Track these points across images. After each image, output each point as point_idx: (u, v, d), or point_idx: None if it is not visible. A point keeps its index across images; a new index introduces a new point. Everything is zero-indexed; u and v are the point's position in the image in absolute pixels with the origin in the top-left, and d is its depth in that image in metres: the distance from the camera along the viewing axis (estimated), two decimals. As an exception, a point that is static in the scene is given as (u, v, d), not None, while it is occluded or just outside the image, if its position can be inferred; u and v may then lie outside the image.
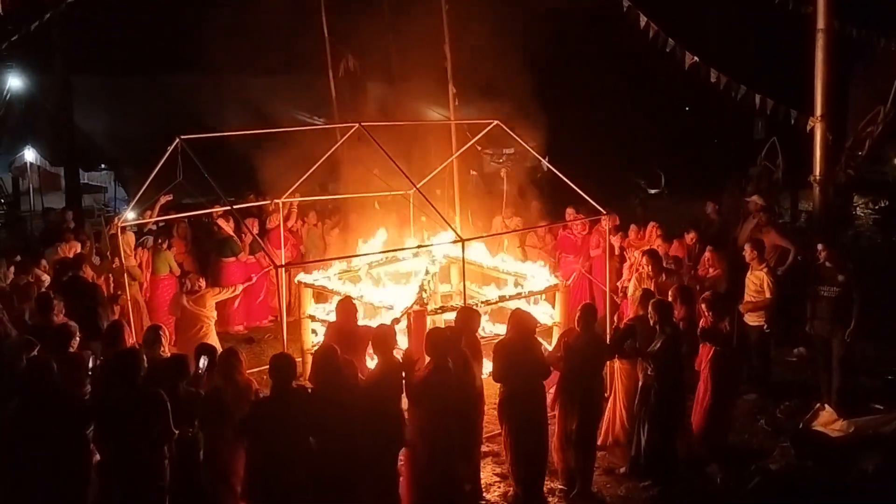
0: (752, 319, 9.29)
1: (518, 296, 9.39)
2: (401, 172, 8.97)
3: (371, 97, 18.02)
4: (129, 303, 9.05)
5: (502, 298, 9.30)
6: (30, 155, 22.51)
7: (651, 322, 7.26)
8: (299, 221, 13.00)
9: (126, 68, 24.01)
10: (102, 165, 21.97)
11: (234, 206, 10.10)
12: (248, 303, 12.03)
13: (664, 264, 9.33)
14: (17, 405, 5.69)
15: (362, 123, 9.34)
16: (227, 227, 11.76)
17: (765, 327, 9.23)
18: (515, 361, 6.87)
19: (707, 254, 9.87)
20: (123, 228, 9.80)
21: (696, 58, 10.87)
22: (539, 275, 9.73)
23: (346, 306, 7.76)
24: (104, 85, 22.35)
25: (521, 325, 7.03)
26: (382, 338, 6.54)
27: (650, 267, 9.04)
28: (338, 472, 6.02)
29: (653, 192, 24.13)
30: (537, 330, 7.47)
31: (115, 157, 20.69)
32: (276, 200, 11.20)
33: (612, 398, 8.08)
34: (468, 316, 7.27)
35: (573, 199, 11.38)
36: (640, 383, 7.38)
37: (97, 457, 5.92)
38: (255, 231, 11.43)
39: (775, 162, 15.23)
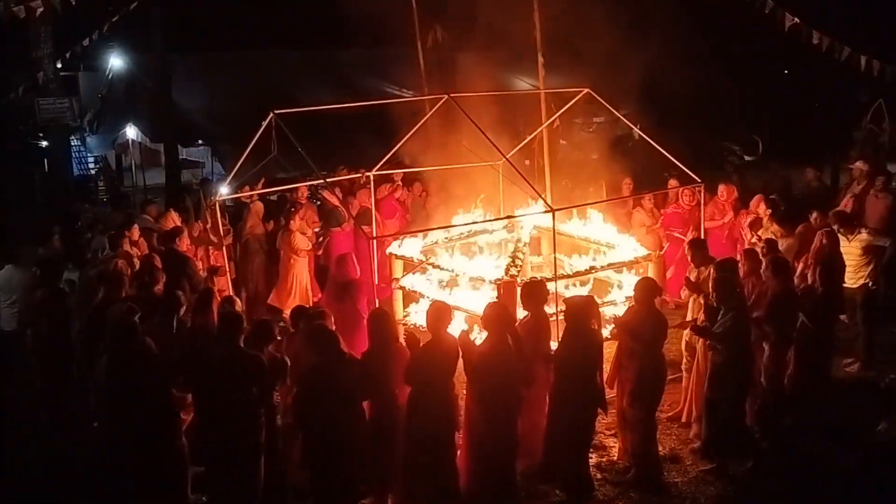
0: (853, 281, 8.94)
1: (609, 266, 9.29)
2: (489, 143, 8.93)
3: (458, 68, 17.97)
4: (258, 270, 9.37)
5: (592, 269, 9.21)
6: (131, 132, 23.33)
7: (714, 299, 7.05)
8: (405, 192, 13.17)
9: (221, 45, 24.60)
10: (199, 141, 22.59)
11: (327, 180, 10.30)
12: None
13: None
14: (105, 361, 6.22)
15: (451, 94, 9.33)
16: (332, 198, 11.98)
17: (870, 284, 8.86)
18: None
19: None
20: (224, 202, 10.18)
21: (796, 18, 10.43)
22: (630, 245, 9.58)
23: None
24: (200, 62, 22.92)
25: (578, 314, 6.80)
26: (436, 315, 6.41)
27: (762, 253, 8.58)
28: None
29: (749, 158, 23.40)
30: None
31: (211, 133, 21.22)
32: (367, 173, 11.33)
33: (694, 376, 7.89)
34: (534, 290, 7.17)
35: (666, 168, 11.15)
36: (710, 361, 7.18)
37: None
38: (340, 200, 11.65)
39: (881, 125, 14.54)
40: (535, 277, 8.83)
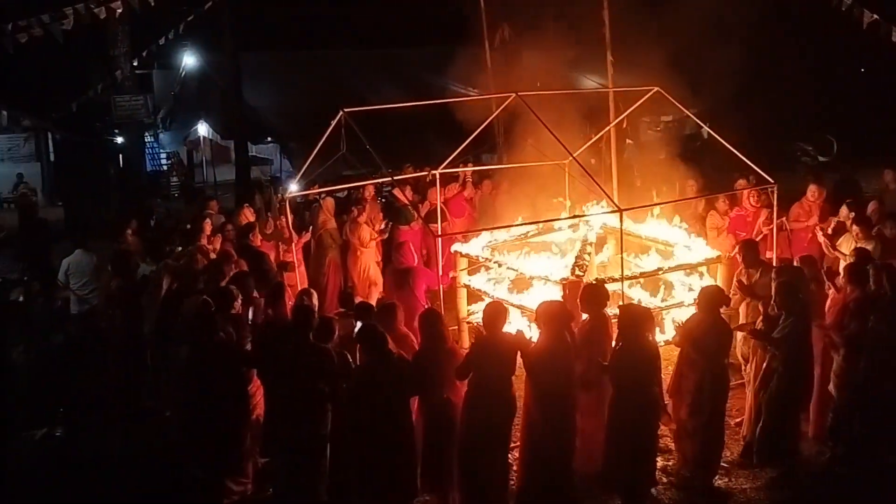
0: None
1: (677, 268, 9.16)
2: (556, 142, 8.89)
3: (525, 66, 17.92)
4: (330, 263, 9.77)
5: (659, 270, 9.09)
6: (203, 129, 23.90)
7: (775, 304, 6.86)
8: (473, 190, 13.22)
9: (290, 44, 24.98)
10: (268, 139, 22.98)
11: (394, 178, 10.41)
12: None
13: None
14: (186, 351, 6.50)
15: (519, 93, 9.32)
16: (403, 196, 12.10)
17: None
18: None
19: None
20: (294, 199, 10.37)
21: (875, 15, 10.12)
22: (700, 246, 9.43)
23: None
24: (270, 61, 23.32)
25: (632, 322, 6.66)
26: (493, 314, 6.41)
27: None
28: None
29: (823, 159, 22.79)
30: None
31: (279, 131, 21.58)
32: (434, 171, 11.39)
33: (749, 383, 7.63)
34: (594, 292, 7.09)
35: (736, 169, 10.92)
36: (764, 367, 6.99)
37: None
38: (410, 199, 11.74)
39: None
40: (601, 278, 8.77)
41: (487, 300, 9.13)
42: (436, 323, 6.48)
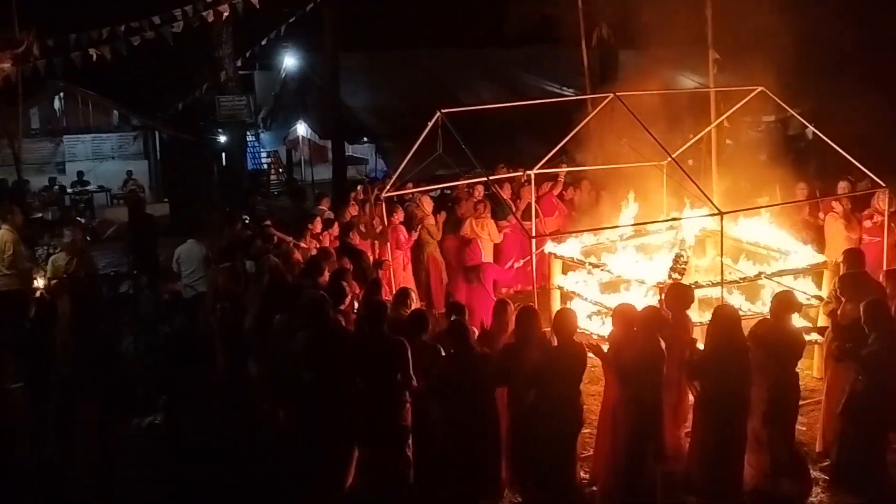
0: None
1: (779, 273, 8.87)
2: (654, 142, 8.74)
3: (622, 65, 17.67)
4: (429, 259, 10.18)
5: (760, 276, 8.82)
6: (301, 129, 24.45)
7: (863, 323, 6.50)
8: (572, 190, 13.13)
9: (386, 44, 25.27)
10: (364, 139, 23.32)
11: (489, 178, 10.43)
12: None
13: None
14: (303, 336, 6.70)
15: (617, 93, 9.21)
16: (501, 194, 12.13)
17: None
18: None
19: None
20: (392, 197, 10.52)
21: None
22: (803, 251, 9.12)
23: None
24: (366, 61, 23.67)
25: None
26: (563, 320, 6.42)
27: None
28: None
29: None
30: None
31: (375, 130, 21.89)
32: (528, 172, 11.36)
33: (824, 405, 7.29)
34: (679, 292, 6.99)
35: (844, 172, 10.49)
36: (849, 387, 6.65)
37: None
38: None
39: None
40: (699, 282, 8.59)
41: (582, 303, 9.08)
42: (529, 319, 6.48)
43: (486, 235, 11.26)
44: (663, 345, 6.29)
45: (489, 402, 6.33)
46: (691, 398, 6.81)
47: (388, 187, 10.15)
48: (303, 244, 9.89)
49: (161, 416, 8.33)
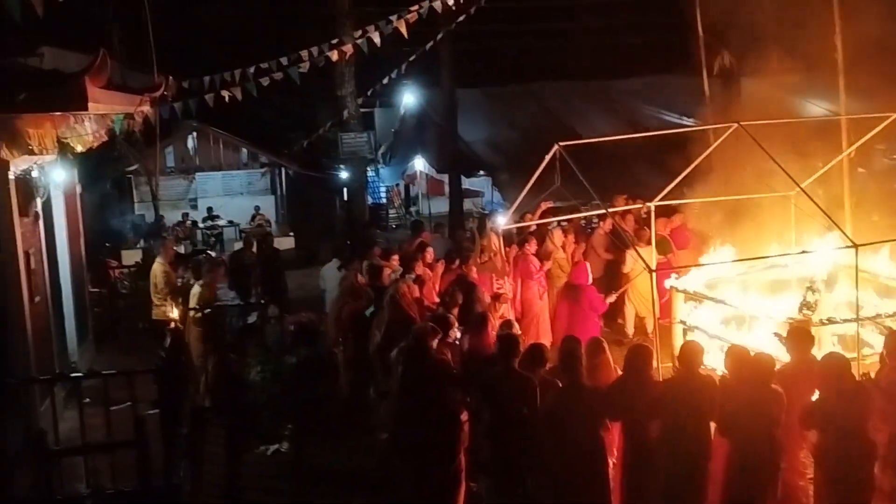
0: None
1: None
2: (781, 172, 8.48)
3: (745, 94, 17.22)
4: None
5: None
6: (419, 163, 24.91)
7: None
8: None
9: (502, 78, 25.51)
10: (480, 172, 23.53)
11: (608, 210, 10.35)
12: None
13: None
14: (401, 370, 6.88)
15: (741, 122, 9.00)
16: (623, 226, 12.02)
17: None
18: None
19: None
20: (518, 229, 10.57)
21: None
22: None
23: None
24: (482, 96, 23.94)
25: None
26: (689, 353, 6.38)
27: None
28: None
29: None
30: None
31: (491, 164, 22.05)
32: (648, 203, 11.19)
33: None
34: (803, 334, 6.80)
35: None
36: None
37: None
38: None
39: None
40: (832, 318, 8.21)
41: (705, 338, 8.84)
42: (639, 357, 6.48)
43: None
44: (780, 389, 6.11)
45: (596, 437, 6.32)
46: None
47: (508, 220, 10.20)
48: (416, 273, 10.03)
49: (287, 443, 8.59)
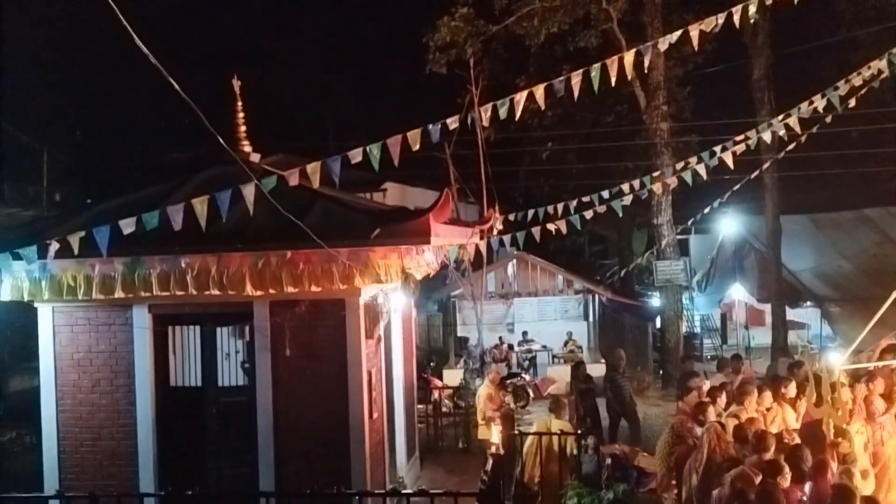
0: None
1: None
2: None
3: None
4: None
5: None
6: (738, 292, 23.94)
7: None
8: None
9: (832, 205, 24.11)
10: (807, 303, 22.13)
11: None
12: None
13: None
14: None
15: None
16: None
17: None
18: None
19: None
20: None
21: None
22: None
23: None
24: (809, 224, 22.75)
25: None
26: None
27: None
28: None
29: None
30: None
31: (819, 294, 20.67)
32: None
33: None
34: None
35: None
36: None
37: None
38: None
39: None
40: None
41: None
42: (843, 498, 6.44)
43: None
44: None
45: None
46: None
47: (846, 359, 9.37)
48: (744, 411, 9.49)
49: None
